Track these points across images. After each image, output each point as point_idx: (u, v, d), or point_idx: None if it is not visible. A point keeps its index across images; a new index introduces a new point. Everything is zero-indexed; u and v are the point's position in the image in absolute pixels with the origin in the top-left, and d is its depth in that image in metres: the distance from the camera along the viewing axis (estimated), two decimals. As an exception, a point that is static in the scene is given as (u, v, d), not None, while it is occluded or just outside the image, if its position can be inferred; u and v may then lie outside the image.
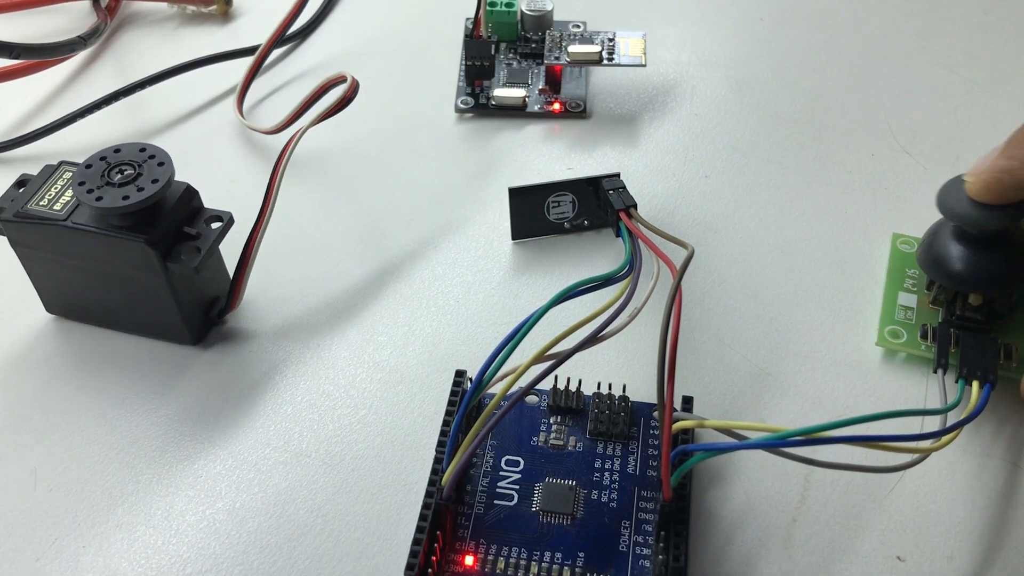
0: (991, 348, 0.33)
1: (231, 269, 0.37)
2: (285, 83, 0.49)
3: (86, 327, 0.37)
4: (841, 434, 0.27)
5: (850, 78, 0.48)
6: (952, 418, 0.30)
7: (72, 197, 0.34)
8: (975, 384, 0.32)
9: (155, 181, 0.33)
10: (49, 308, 0.38)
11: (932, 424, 0.31)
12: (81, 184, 0.33)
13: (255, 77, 0.48)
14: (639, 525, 0.30)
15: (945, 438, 0.29)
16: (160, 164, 0.34)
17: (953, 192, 0.34)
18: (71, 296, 0.37)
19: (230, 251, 0.36)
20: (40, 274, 0.36)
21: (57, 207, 0.34)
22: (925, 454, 0.29)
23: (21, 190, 0.35)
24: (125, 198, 0.32)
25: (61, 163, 0.36)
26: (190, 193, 0.35)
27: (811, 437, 0.27)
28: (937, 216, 0.36)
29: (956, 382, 0.32)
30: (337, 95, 0.39)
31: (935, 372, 0.33)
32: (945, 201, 0.34)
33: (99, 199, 0.32)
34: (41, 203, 0.34)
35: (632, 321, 0.32)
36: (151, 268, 0.34)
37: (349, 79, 0.39)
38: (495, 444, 0.33)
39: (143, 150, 0.34)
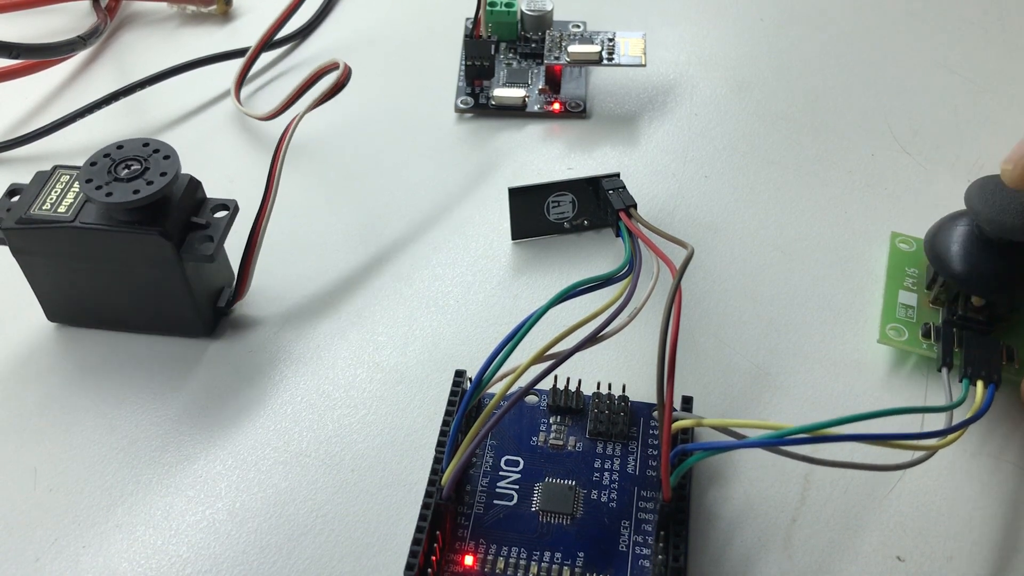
0: (994, 349, 0.33)
1: (233, 260, 0.37)
2: (283, 78, 0.49)
3: (85, 331, 0.37)
4: (845, 431, 0.27)
5: (850, 78, 0.48)
6: (956, 416, 0.30)
7: (75, 199, 0.34)
8: (980, 383, 0.32)
9: (163, 174, 0.33)
10: (51, 316, 0.37)
11: (933, 422, 0.31)
12: (89, 181, 0.33)
13: (256, 58, 0.48)
14: (639, 525, 0.30)
15: (951, 436, 0.28)
16: (166, 157, 0.34)
17: (985, 192, 0.33)
18: (75, 300, 0.36)
19: (231, 243, 0.37)
20: (42, 281, 0.36)
21: (61, 209, 0.34)
22: (930, 452, 0.29)
23: (15, 199, 0.35)
24: (136, 192, 0.33)
25: (55, 168, 0.36)
26: (194, 184, 0.35)
27: (815, 435, 0.27)
28: (938, 215, 0.36)
29: (960, 381, 0.32)
30: (330, 81, 0.39)
31: (939, 370, 0.33)
32: (974, 200, 0.33)
33: (109, 194, 0.32)
34: (43, 208, 0.34)
35: (632, 321, 0.32)
36: (165, 260, 0.34)
37: (341, 65, 0.39)
38: (495, 444, 0.33)
39: (147, 145, 0.34)
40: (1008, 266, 0.34)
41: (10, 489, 0.33)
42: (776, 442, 0.27)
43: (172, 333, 0.37)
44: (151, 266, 0.34)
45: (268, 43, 0.49)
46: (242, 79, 0.47)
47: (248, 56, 0.48)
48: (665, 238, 0.35)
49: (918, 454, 0.29)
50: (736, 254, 0.40)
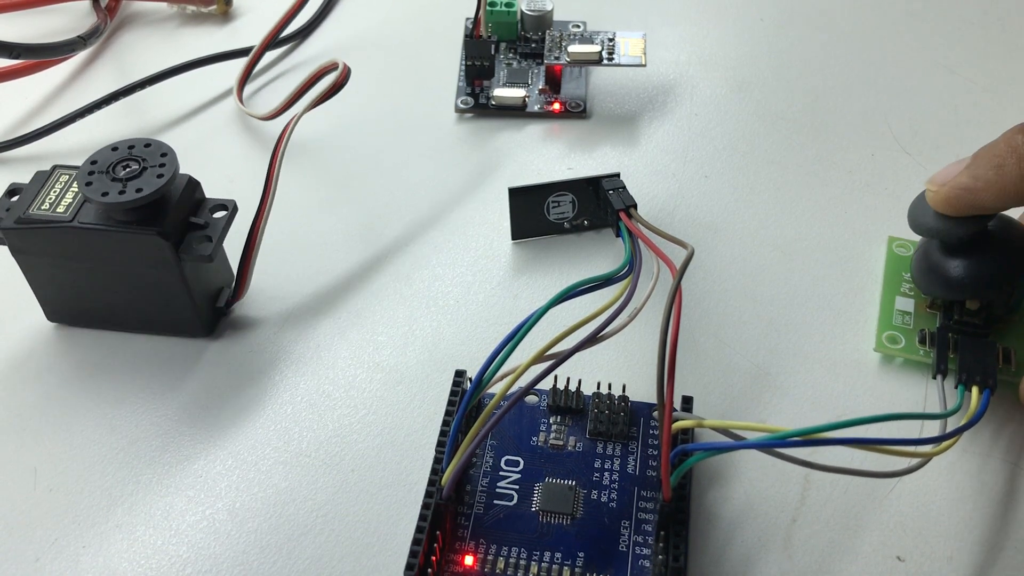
0: (990, 353, 0.33)
1: (232, 260, 0.37)
2: (284, 78, 0.49)
3: (85, 331, 0.37)
4: (840, 436, 0.27)
5: (850, 78, 0.48)
6: (952, 423, 0.30)
7: (74, 199, 0.34)
8: (975, 390, 0.32)
9: (160, 175, 0.33)
10: (50, 316, 0.37)
11: (931, 428, 0.31)
12: (87, 181, 0.33)
13: (258, 61, 0.48)
14: (639, 525, 0.30)
15: (945, 443, 0.29)
16: (163, 155, 0.34)
17: (919, 207, 0.34)
18: (74, 300, 0.36)
19: (230, 243, 0.37)
20: (42, 281, 0.36)
21: (60, 209, 0.34)
22: (925, 459, 0.29)
23: (14, 198, 0.35)
24: (135, 191, 0.32)
25: (55, 167, 0.36)
26: (193, 184, 0.35)
27: (810, 438, 0.27)
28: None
29: (956, 387, 0.32)
30: (329, 81, 0.39)
31: (934, 378, 0.33)
32: (913, 217, 0.34)
33: (105, 194, 0.32)
34: (43, 207, 0.34)
35: (632, 321, 0.32)
36: (163, 260, 0.34)
37: (340, 65, 0.39)
38: (495, 444, 0.33)
39: (147, 145, 0.34)
40: (984, 262, 0.33)
41: (10, 489, 0.33)
42: (775, 444, 0.27)
43: (171, 333, 0.37)
44: (149, 266, 0.34)
45: (270, 44, 0.49)
46: (245, 79, 0.48)
47: (251, 57, 0.48)
48: (665, 238, 0.35)
49: (913, 461, 0.29)
50: (736, 254, 0.40)
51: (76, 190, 0.34)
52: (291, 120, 0.38)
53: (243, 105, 0.46)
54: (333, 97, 0.39)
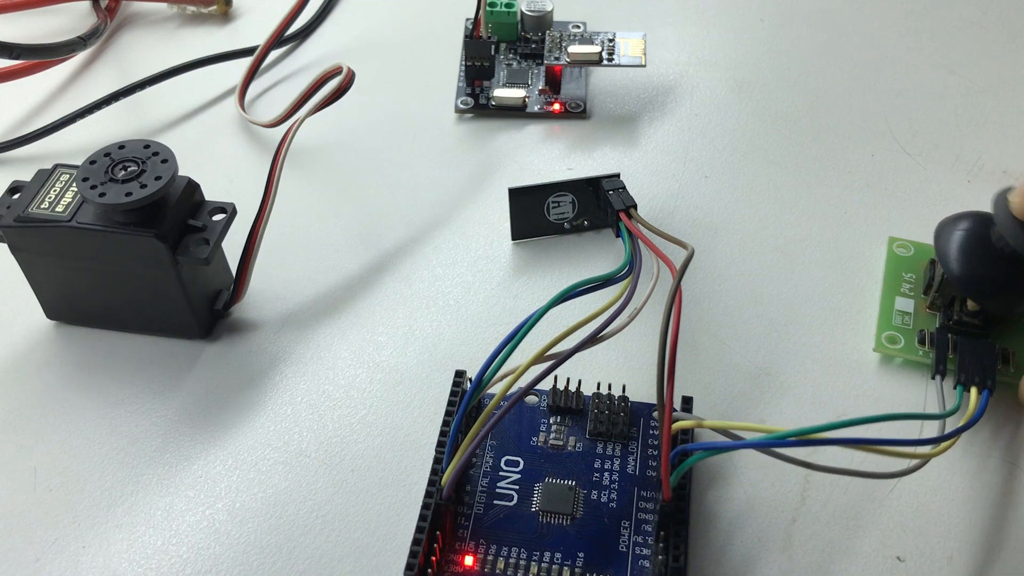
0: (989, 354, 0.33)
1: (232, 263, 0.37)
2: (285, 82, 0.49)
3: (84, 329, 0.37)
4: (838, 436, 0.27)
5: (850, 78, 0.48)
6: (951, 424, 0.30)
7: (73, 198, 0.34)
8: (973, 390, 0.32)
9: (159, 177, 0.33)
10: (49, 314, 0.37)
11: (930, 428, 0.31)
12: (85, 181, 0.33)
13: (257, 69, 0.48)
14: (639, 525, 0.30)
15: (943, 444, 0.29)
16: (163, 160, 0.34)
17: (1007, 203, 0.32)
18: (73, 300, 0.36)
19: (229, 246, 0.37)
20: (41, 279, 0.36)
21: (59, 209, 0.34)
22: (923, 460, 0.29)
23: (15, 196, 0.35)
24: (130, 194, 0.32)
25: (56, 166, 0.36)
26: (192, 187, 0.35)
27: (808, 438, 0.27)
28: (938, 216, 0.36)
29: (955, 388, 0.32)
30: (333, 86, 0.39)
31: (933, 378, 0.33)
32: (1001, 208, 0.33)
33: (103, 195, 0.32)
34: (42, 206, 0.34)
35: (632, 321, 0.32)
36: (160, 262, 0.34)
37: (345, 69, 0.39)
38: (495, 444, 0.33)
39: (147, 147, 0.34)
40: (1010, 275, 0.33)
41: (10, 489, 0.33)
42: (773, 444, 0.27)
43: (168, 334, 0.37)
44: (146, 268, 0.34)
45: (270, 48, 0.49)
46: (246, 86, 0.47)
47: (251, 64, 0.48)
48: (665, 238, 0.35)
49: (912, 462, 0.29)
50: (736, 254, 0.40)
51: (75, 190, 0.34)
52: (293, 124, 0.38)
53: (245, 112, 0.46)
54: (337, 101, 0.39)
